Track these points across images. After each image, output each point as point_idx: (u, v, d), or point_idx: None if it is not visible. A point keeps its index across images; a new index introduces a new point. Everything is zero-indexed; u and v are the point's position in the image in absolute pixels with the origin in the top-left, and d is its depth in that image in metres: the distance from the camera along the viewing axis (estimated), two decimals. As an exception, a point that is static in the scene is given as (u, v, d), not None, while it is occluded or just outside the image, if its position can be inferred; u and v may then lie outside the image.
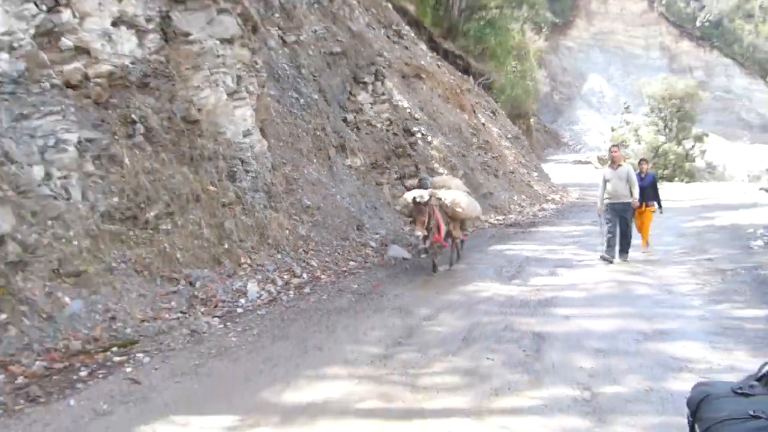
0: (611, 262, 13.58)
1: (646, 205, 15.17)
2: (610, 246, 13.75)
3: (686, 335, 8.56)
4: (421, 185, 13.80)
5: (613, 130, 58.66)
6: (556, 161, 57.87)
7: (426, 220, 12.10)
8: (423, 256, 14.31)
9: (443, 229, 12.74)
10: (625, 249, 13.86)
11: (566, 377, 7.02)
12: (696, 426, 2.71)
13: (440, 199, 13.01)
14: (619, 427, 5.77)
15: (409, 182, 15.32)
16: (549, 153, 64.25)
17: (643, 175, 15.33)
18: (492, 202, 23.85)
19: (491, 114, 36.28)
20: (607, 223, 13.85)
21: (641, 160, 17.04)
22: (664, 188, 19.24)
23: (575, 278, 12.27)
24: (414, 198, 12.36)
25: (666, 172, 50.27)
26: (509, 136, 36.09)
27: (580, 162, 58.19)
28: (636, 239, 14.90)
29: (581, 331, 8.75)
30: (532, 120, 55.40)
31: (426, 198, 12.22)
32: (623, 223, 13.72)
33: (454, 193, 13.49)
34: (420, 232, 12.24)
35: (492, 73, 42.38)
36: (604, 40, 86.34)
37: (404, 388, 6.78)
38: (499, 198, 24.97)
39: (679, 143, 52.46)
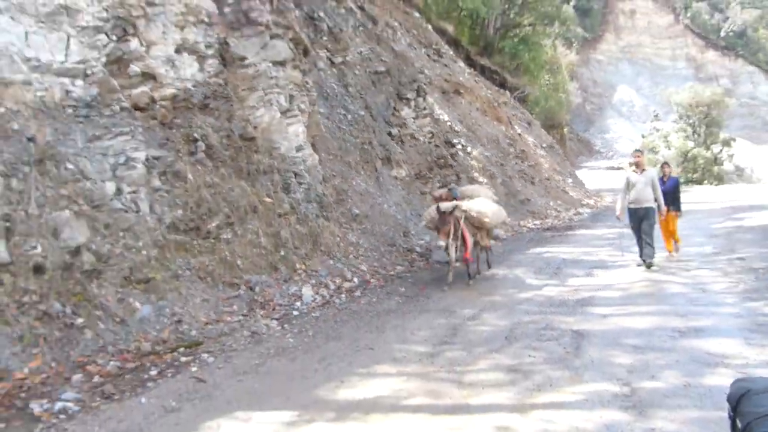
0: (652, 264, 12.68)
1: (669, 210, 13.86)
2: (641, 250, 12.86)
3: (721, 332, 8.30)
4: (450, 195, 13.08)
5: (643, 137, 57.90)
6: (589, 168, 57.23)
7: (450, 230, 11.12)
8: (446, 264, 12.69)
9: (470, 242, 11.77)
10: (649, 251, 12.68)
11: (606, 373, 6.87)
12: (737, 421, 2.63)
13: (465, 211, 11.87)
14: (659, 422, 5.60)
15: (437, 192, 14.18)
16: (582, 160, 63.54)
17: (665, 179, 14.46)
18: (529, 208, 23.63)
19: (527, 125, 35.98)
20: (633, 230, 13.01)
21: (663, 163, 16.00)
22: (694, 191, 18.92)
23: (611, 278, 12.02)
24: (438, 207, 11.53)
25: (695, 175, 49.46)
26: (544, 145, 35.74)
27: (612, 168, 57.46)
28: (659, 242, 13.95)
29: (618, 329, 8.57)
30: (565, 129, 54.81)
31: (450, 208, 11.31)
32: (647, 227, 12.66)
33: (480, 203, 12.43)
34: (444, 242, 11.11)
35: (526, 86, 42.08)
36: (632, 52, 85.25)
37: (451, 384, 6.71)
38: (536, 204, 24.72)
39: (707, 148, 51.56)
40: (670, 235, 14.40)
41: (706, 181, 48.61)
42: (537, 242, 17.74)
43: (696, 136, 52.71)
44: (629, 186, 12.87)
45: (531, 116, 40.00)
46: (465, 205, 11.99)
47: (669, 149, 51.59)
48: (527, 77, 43.27)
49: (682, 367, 6.97)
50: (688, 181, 48.97)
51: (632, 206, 12.83)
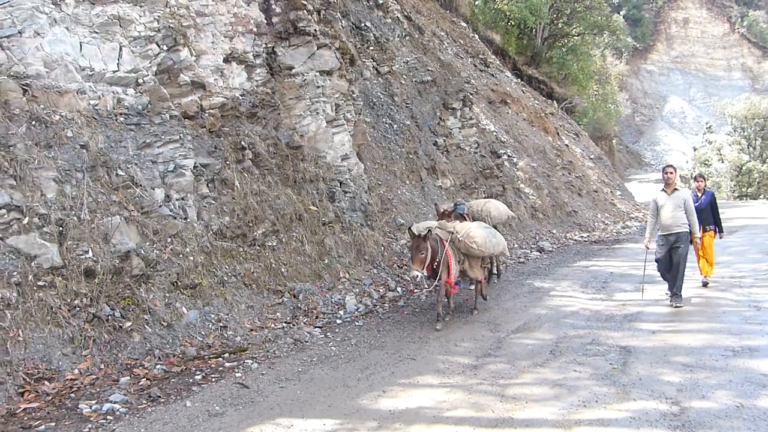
0: (681, 304, 10.67)
1: (704, 230, 12.23)
2: (671, 285, 10.95)
3: (776, 352, 8.08)
4: (455, 211, 11.85)
5: (695, 149, 56.83)
6: (638, 180, 56.36)
7: (425, 257, 9.35)
8: (418, 293, 11.73)
9: (454, 269, 9.92)
10: (678, 288, 10.78)
11: (654, 391, 6.76)
12: None
13: (451, 232, 10.16)
14: (709, 442, 5.51)
15: (443, 206, 12.42)
16: (631, 173, 62.63)
17: (699, 194, 12.54)
18: (576, 220, 23.38)
19: (574, 136, 35.65)
20: (656, 257, 11.13)
21: (697, 176, 13.61)
22: (749, 206, 18.32)
23: (660, 294, 11.79)
24: (409, 229, 9.94)
25: (750, 190, 48.27)
26: (592, 156, 35.35)
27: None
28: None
29: (667, 346, 8.41)
30: (614, 141, 54.20)
31: (424, 231, 9.53)
32: (677, 256, 10.71)
33: (470, 226, 10.38)
34: (416, 272, 9.23)
35: (574, 97, 41.70)
36: (684, 62, 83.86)
37: (494, 397, 6.68)
38: (583, 216, 24.45)
39: (763, 161, 50.31)
40: (706, 258, 12.49)
41: (762, 196, 47.45)
42: (584, 255, 17.54)
43: (751, 149, 51.55)
44: (657, 209, 11.04)
45: (579, 127, 39.62)
46: (451, 225, 10.31)
47: (722, 162, 50.55)
48: (575, 88, 42.86)
49: (735, 387, 6.81)
50: (743, 196, 47.90)
51: (662, 233, 10.96)
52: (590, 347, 8.44)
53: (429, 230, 9.55)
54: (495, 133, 21.86)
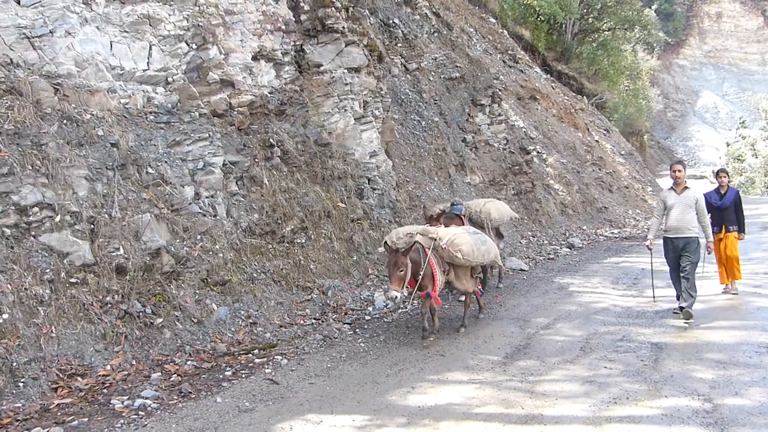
0: (691, 316, 9.33)
1: (727, 230, 11.18)
2: (678, 293, 9.84)
3: (812, 349, 7.92)
4: (451, 211, 11.05)
5: (728, 145, 55.94)
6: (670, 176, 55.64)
7: (405, 274, 8.03)
8: (400, 311, 10.39)
9: (439, 279, 8.61)
10: (686, 298, 9.49)
11: (686, 388, 6.66)
12: None
13: (435, 239, 8.78)
14: (743, 439, 5.41)
15: (437, 207, 11.51)
16: (662, 169, 61.63)
17: (723, 191, 11.33)
18: (607, 216, 23.15)
19: (605, 132, 35.26)
20: (670, 267, 9.97)
21: (719, 170, 12.02)
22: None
23: (702, 269, 11.35)
24: (385, 242, 8.74)
25: (785, 186, 47.45)
26: (623, 152, 34.94)
27: (694, 177, 55.61)
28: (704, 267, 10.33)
29: (700, 343, 8.29)
30: (645, 137, 53.47)
31: (400, 244, 8.26)
32: (687, 264, 9.52)
33: (455, 232, 9.03)
34: (395, 293, 7.88)
35: (605, 92, 41.24)
36: (717, 57, 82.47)
37: (523, 394, 6.62)
38: (614, 212, 24.20)
39: (798, 156, 49.41)
40: (729, 263, 11.27)
41: (797, 193, 46.59)
42: (614, 251, 17.35)
43: (785, 144, 50.66)
44: (665, 209, 9.89)
45: (609, 123, 39.18)
46: (433, 230, 9.00)
47: (756, 158, 49.71)
48: (606, 83, 42.39)
49: (769, 384, 6.70)
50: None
51: (669, 235, 9.77)
52: (621, 344, 8.34)
53: (408, 243, 8.23)
54: (524, 130, 21.71)
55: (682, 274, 9.54)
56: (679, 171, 9.76)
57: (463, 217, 11.07)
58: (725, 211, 11.17)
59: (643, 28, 46.67)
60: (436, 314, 9.05)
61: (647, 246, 10.20)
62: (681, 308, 9.57)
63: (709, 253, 9.97)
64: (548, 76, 33.93)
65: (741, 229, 11.30)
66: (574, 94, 36.36)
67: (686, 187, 9.77)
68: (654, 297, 10.73)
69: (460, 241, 8.74)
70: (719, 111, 78.14)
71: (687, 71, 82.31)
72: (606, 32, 43.44)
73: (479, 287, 9.95)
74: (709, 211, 10.19)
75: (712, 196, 11.27)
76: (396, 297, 7.89)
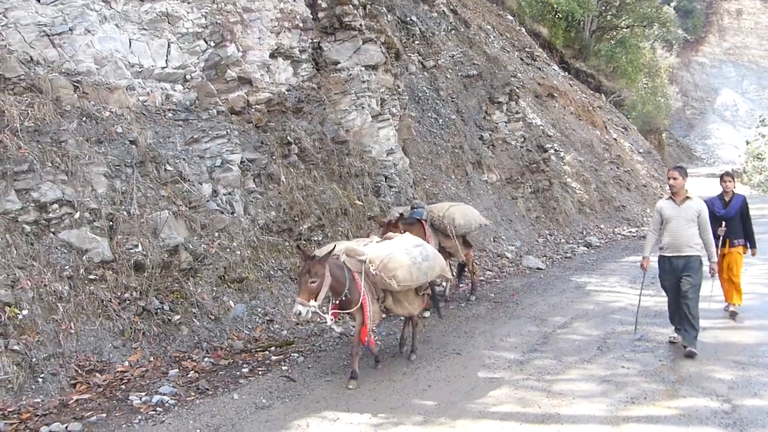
0: (694, 353, 7.67)
1: (731, 244, 9.52)
2: (674, 320, 8.27)
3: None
4: (412, 216, 10.18)
5: (748, 143, 55.28)
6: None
7: (318, 286, 6.51)
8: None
9: (369, 309, 7.03)
10: (688, 330, 7.83)
11: (704, 388, 6.60)
12: None
13: (364, 260, 7.12)
14: (762, 440, 5.35)
15: (396, 210, 10.59)
16: (681, 167, 61.26)
17: (728, 198, 9.66)
18: (624, 215, 23.00)
19: (623, 130, 35.03)
20: (662, 284, 8.36)
21: (724, 174, 10.12)
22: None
23: (711, 289, 11.46)
24: (298, 246, 8.11)
25: (806, 187, 46.83)
26: (641, 150, 34.71)
27: (713, 175, 55.07)
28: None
29: (718, 343, 8.22)
30: (663, 135, 53.06)
31: (322, 253, 6.81)
32: (689, 288, 7.83)
33: (389, 253, 7.22)
34: (300, 308, 6.36)
35: (623, 90, 40.98)
36: (737, 54, 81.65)
37: (540, 393, 6.60)
38: (632, 210, 24.02)
39: (820, 156, 48.71)
40: (732, 279, 9.69)
41: (819, 195, 45.95)
42: (632, 250, 17.20)
43: (807, 143, 49.99)
44: (662, 222, 8.21)
45: (627, 121, 38.92)
46: (362, 251, 7.25)
47: (776, 157, 49.12)
48: (624, 81, 42.11)
49: (790, 385, 6.63)
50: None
51: (666, 254, 8.13)
52: (639, 343, 8.29)
53: (329, 253, 6.78)
54: (542, 127, 21.59)
55: (683, 301, 7.88)
56: (675, 178, 8.06)
57: (424, 223, 10.15)
58: (731, 222, 9.46)
59: (662, 25, 46.31)
60: (358, 350, 7.13)
61: (642, 266, 8.55)
62: (675, 341, 8.21)
63: (711, 276, 8.35)
64: (566, 73, 33.74)
65: (751, 244, 9.69)
66: (592, 91, 36.15)
67: (687, 197, 8.08)
68: (635, 331, 8.79)
69: (395, 264, 7.10)
70: (739, 109, 77.39)
71: (706, 68, 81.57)
72: (624, 29, 43.15)
73: (425, 305, 8.21)
74: (712, 222, 8.46)
75: (715, 204, 9.54)
76: (300, 313, 6.35)
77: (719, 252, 9.11)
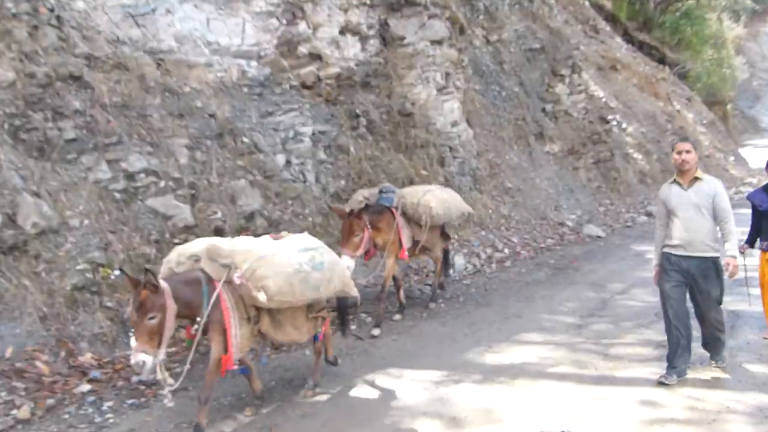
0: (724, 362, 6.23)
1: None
2: (673, 350, 5.90)
3: None
4: (379, 202, 8.19)
5: (816, 115, 52.82)
6: (754, 146, 53.02)
7: (160, 323, 4.51)
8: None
9: (235, 337, 4.98)
10: (714, 345, 6.18)
11: (762, 355, 6.49)
12: None
13: (228, 267, 4.94)
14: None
15: (360, 194, 8.64)
16: (746, 138, 58.92)
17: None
18: (687, 186, 22.38)
19: (686, 101, 33.88)
20: (667, 300, 5.95)
21: None
22: None
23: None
24: (122, 269, 5.74)
25: None
26: (705, 122, 33.53)
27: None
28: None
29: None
30: (728, 106, 51.03)
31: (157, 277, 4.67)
32: (706, 298, 5.92)
33: (263, 255, 5.07)
34: (141, 357, 4.41)
35: (687, 62, 39.52)
36: (807, 24, 77.72)
37: (597, 356, 6.59)
38: (694, 181, 23.34)
39: None
40: None
41: None
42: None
43: None
44: (668, 213, 6.00)
45: (691, 92, 37.62)
46: (227, 251, 5.01)
47: None
48: (689, 52, 40.60)
49: None
50: None
51: (674, 252, 5.89)
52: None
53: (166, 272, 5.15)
54: (604, 99, 21.11)
55: (701, 316, 6.06)
56: (689, 151, 5.84)
57: (394, 211, 8.12)
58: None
59: (730, -5, 44.39)
60: (256, 383, 5.57)
61: (654, 273, 6.28)
62: (670, 373, 5.86)
63: (730, 278, 5.88)
64: (629, 45, 32.74)
65: None
66: (655, 63, 35.00)
67: (697, 178, 5.89)
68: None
69: (267, 271, 4.95)
70: (808, 79, 73.89)
71: (774, 39, 77.99)
72: (690, 1, 41.51)
73: (323, 330, 5.88)
74: (754, 218, 7.07)
75: (758, 197, 7.10)
76: (144, 363, 4.42)
77: (763, 257, 7.09)
